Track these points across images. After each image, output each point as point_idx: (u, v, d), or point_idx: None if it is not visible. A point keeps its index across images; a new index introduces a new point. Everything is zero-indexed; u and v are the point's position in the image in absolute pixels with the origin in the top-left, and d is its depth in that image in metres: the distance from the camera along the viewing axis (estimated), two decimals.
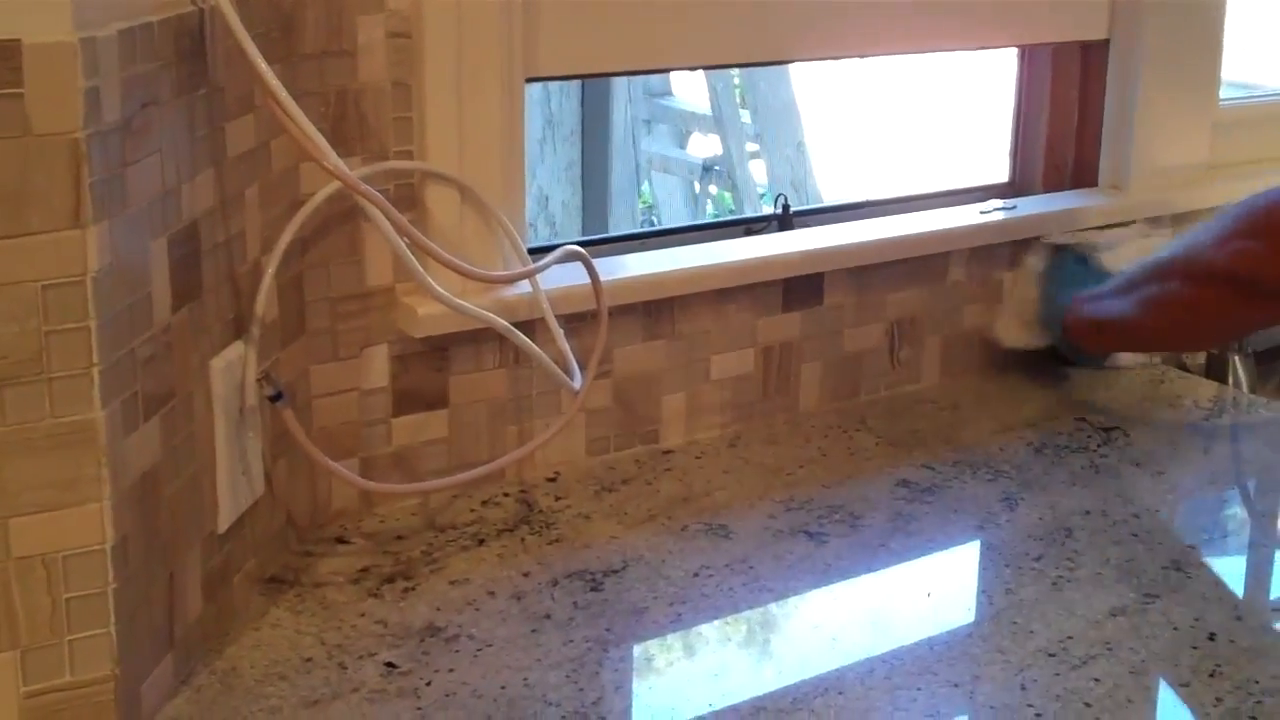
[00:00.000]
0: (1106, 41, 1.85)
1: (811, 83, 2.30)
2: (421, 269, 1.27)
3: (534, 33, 1.40)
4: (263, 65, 1.09)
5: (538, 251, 1.42)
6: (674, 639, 1.20)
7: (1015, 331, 1.75)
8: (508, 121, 1.38)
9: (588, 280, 1.38)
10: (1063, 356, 1.75)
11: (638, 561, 1.30)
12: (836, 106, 2.32)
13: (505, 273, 1.34)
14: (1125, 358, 1.78)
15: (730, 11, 1.53)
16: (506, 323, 1.33)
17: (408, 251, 1.25)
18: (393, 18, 1.31)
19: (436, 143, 1.34)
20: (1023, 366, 1.77)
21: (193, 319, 1.08)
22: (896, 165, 2.19)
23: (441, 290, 1.28)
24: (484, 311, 1.32)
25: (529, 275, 1.34)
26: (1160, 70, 1.85)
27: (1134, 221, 1.78)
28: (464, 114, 1.35)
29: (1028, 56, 1.91)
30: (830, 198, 2.40)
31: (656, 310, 1.50)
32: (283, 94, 1.10)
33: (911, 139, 2.22)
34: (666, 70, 2.03)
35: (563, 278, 1.41)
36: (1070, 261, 1.73)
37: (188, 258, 1.07)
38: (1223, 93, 1.98)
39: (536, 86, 3.41)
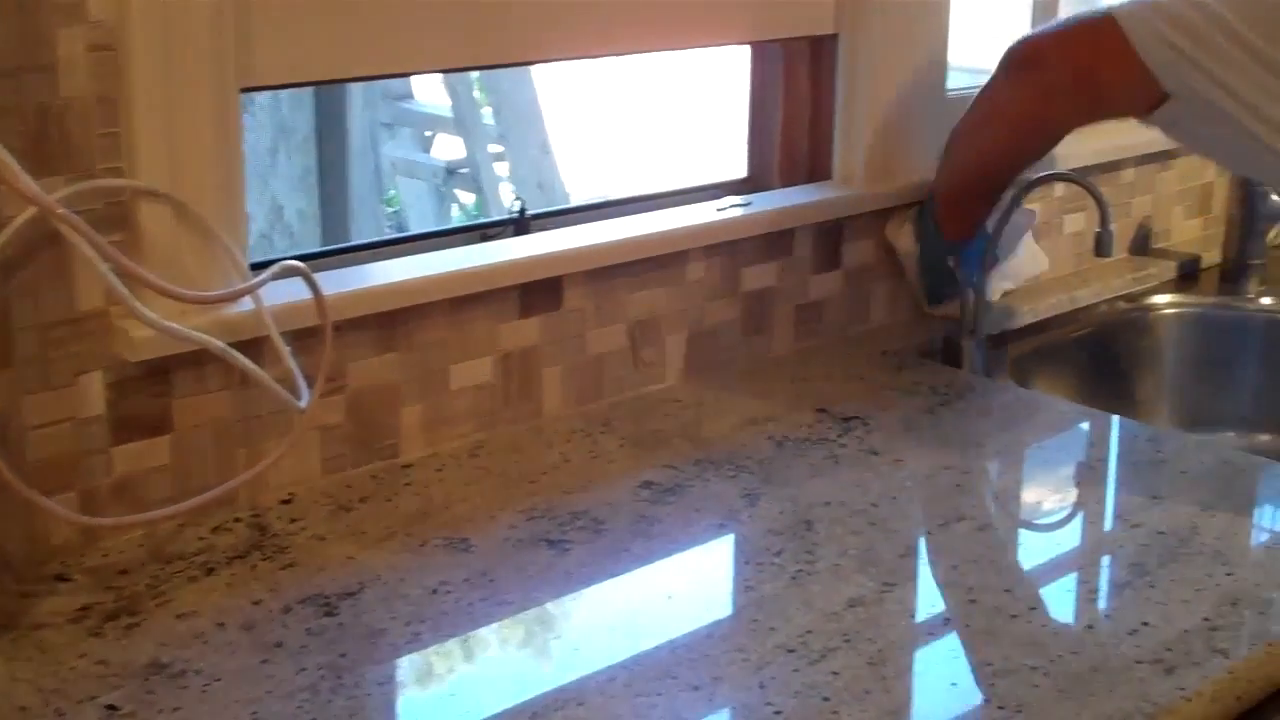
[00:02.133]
0: (835, 36, 1.88)
1: (556, 82, 2.29)
2: (128, 293, 1.22)
3: (248, 41, 1.36)
4: None
5: (267, 266, 1.38)
6: (411, 660, 1.17)
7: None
8: (223, 133, 1.33)
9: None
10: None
11: (375, 582, 1.27)
12: (582, 105, 2.31)
13: (217, 293, 1.29)
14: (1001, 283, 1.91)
15: (460, 14, 1.50)
16: (223, 344, 1.28)
17: (112, 275, 1.20)
18: (95, 29, 1.25)
19: (147, 159, 1.29)
20: (764, 361, 1.79)
21: None
22: (644, 163, 2.19)
23: (150, 314, 1.23)
24: (197, 333, 1.27)
25: (244, 294, 1.30)
26: (888, 62, 1.89)
27: None
28: (175, 128, 1.30)
29: (760, 53, 1.92)
30: (578, 197, 2.39)
31: (390, 321, 1.47)
32: None
33: (658, 136, 2.22)
34: (392, 76, 1.99)
35: (289, 293, 1.36)
36: None
37: None
38: (954, 78, 2.03)
39: (265, 94, 3.30)
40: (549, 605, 1.26)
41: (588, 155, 2.39)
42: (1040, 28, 1.72)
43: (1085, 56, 1.59)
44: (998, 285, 1.92)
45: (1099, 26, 1.55)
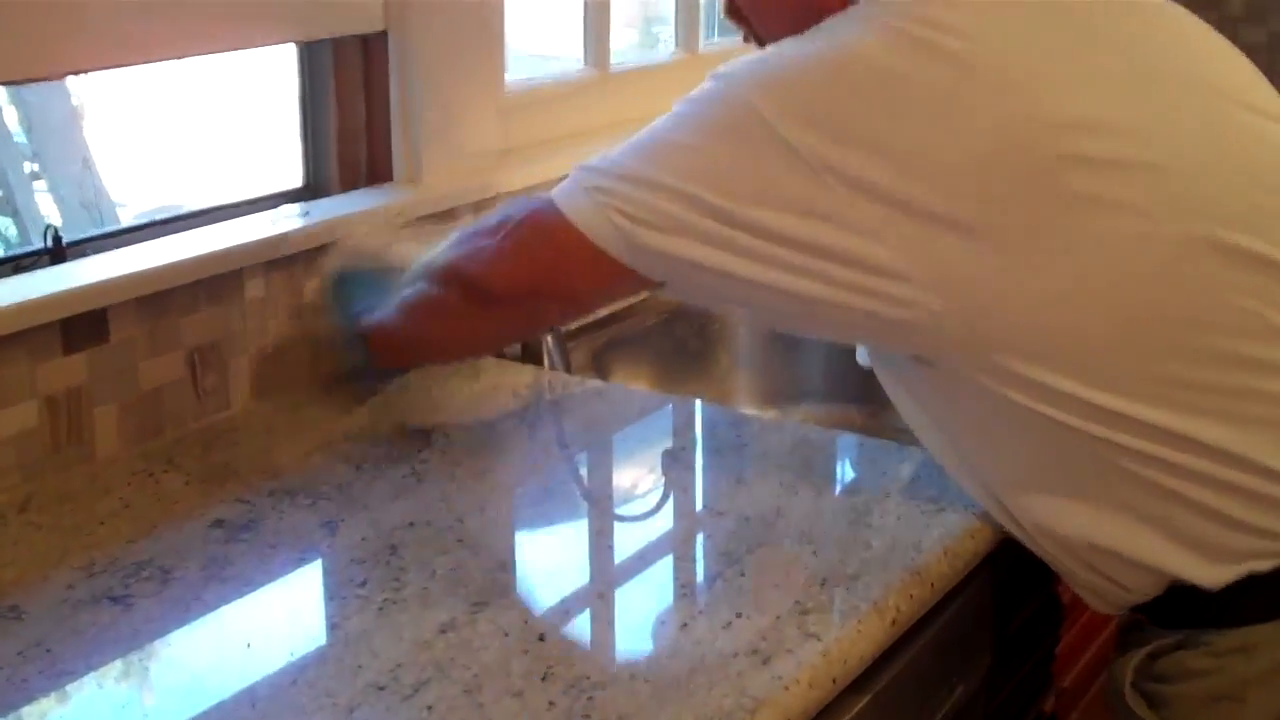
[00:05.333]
0: (385, 34, 1.81)
1: (95, 90, 2.15)
2: None
3: None
4: None
5: None
6: None
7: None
8: None
9: None
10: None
11: None
12: (129, 112, 2.18)
13: None
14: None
15: None
16: None
17: None
18: None
19: None
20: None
21: None
22: (201, 171, 2.09)
23: None
24: None
25: None
26: (442, 60, 1.84)
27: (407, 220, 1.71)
28: None
29: (308, 53, 1.84)
30: (130, 214, 2.25)
31: None
32: None
33: (215, 143, 2.12)
34: None
35: None
36: (359, 274, 1.60)
37: None
38: (518, 67, 2.01)
39: None
40: (115, 669, 1.15)
41: (138, 167, 2.25)
42: (472, 243, 1.41)
43: (544, 274, 1.34)
44: None
45: (552, 235, 1.31)
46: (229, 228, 1.65)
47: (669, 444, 1.66)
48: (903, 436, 1.62)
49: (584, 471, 1.56)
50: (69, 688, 1.12)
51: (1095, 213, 1.20)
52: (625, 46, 2.47)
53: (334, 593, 1.26)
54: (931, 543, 1.33)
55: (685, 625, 1.21)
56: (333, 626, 1.21)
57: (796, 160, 1.21)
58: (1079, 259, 1.20)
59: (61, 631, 1.19)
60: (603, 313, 2.01)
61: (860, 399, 2.15)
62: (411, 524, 1.37)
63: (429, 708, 1.09)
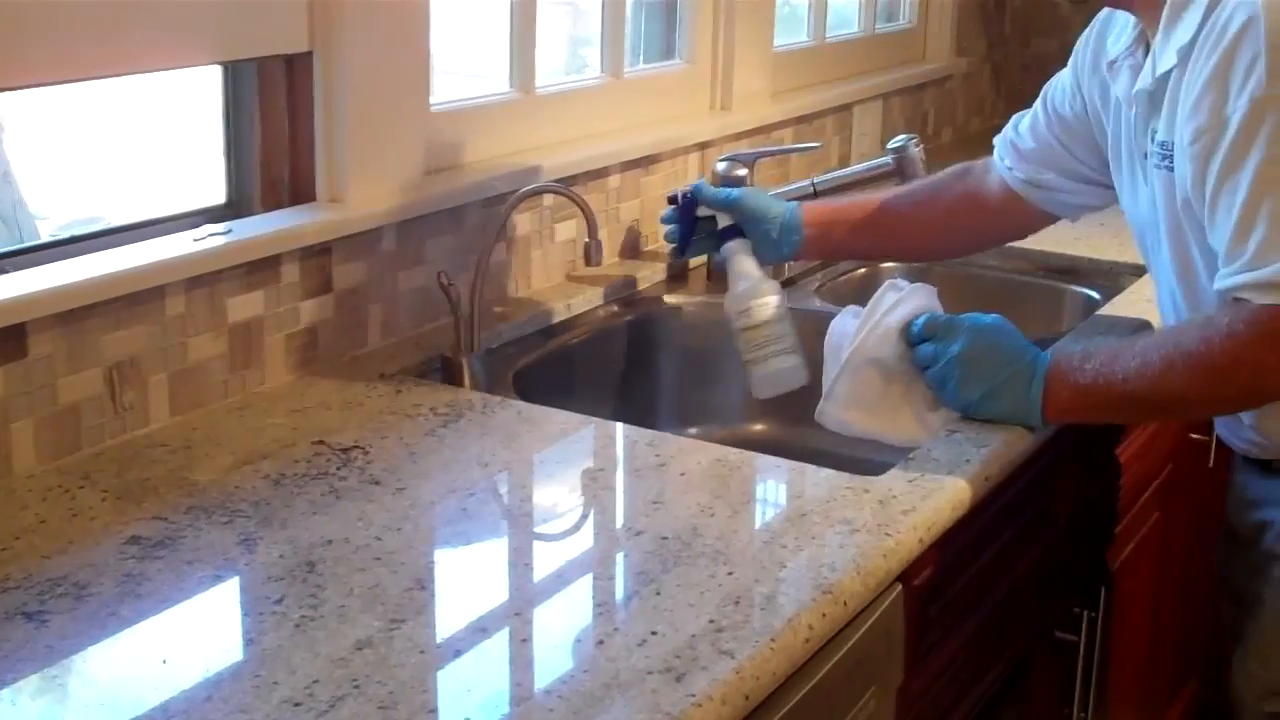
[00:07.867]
0: (310, 54, 1.82)
1: (14, 102, 2.13)
2: None
3: None
4: None
5: None
6: None
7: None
8: None
9: None
10: None
11: None
12: (52, 126, 2.17)
13: None
14: None
15: None
16: None
17: None
18: None
19: None
20: (257, 395, 1.71)
21: None
22: (124, 186, 2.08)
23: None
24: None
25: None
26: (368, 80, 1.84)
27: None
28: None
29: (232, 72, 1.84)
30: (50, 227, 2.25)
31: None
32: None
33: (137, 158, 2.11)
34: None
35: None
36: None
37: None
38: (444, 87, 2.02)
39: None
40: (29, 685, 1.15)
41: (59, 181, 2.24)
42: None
43: None
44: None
45: None
46: (150, 244, 1.65)
47: (588, 464, 1.67)
48: (819, 459, 1.64)
49: (503, 490, 1.57)
50: None
51: None
52: (551, 69, 2.48)
53: (250, 609, 1.26)
54: (845, 562, 1.35)
55: (601, 642, 1.23)
56: (249, 643, 1.21)
57: None
58: None
59: None
60: (525, 331, 2.03)
61: (778, 420, 2.18)
62: (329, 541, 1.37)
63: None
